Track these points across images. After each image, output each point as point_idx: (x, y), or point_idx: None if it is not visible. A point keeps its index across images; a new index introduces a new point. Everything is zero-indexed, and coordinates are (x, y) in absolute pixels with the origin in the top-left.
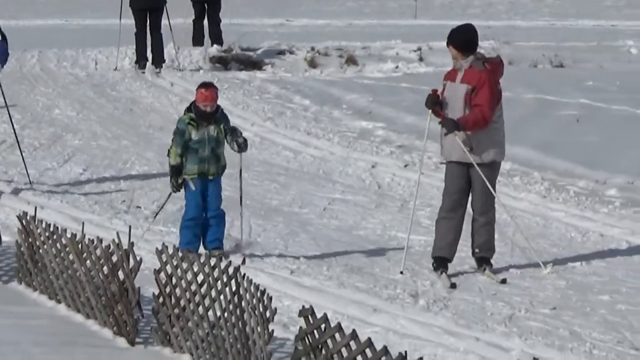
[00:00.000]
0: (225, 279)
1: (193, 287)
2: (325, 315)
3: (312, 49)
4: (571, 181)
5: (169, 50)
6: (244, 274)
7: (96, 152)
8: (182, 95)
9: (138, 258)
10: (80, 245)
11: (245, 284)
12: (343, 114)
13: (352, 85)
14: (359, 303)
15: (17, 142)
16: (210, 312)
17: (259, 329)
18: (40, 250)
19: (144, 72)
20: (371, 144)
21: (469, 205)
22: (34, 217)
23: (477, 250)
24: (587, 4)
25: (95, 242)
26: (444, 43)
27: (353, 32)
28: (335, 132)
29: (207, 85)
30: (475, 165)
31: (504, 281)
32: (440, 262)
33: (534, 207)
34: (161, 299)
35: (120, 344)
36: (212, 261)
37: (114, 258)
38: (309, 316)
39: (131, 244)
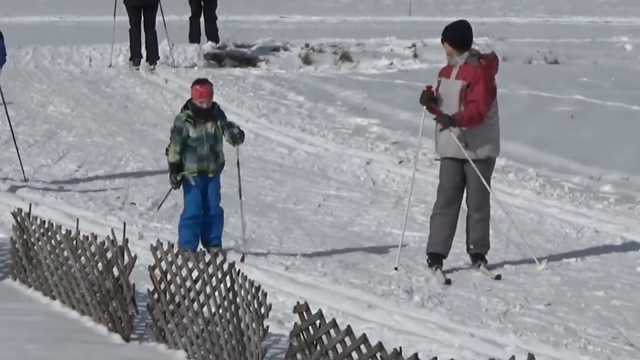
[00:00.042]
0: (220, 276)
1: (188, 284)
2: (320, 311)
3: (307, 45)
4: (566, 177)
5: (163, 47)
6: (239, 270)
7: (91, 149)
8: (176, 91)
9: (133, 254)
10: (75, 242)
11: (239, 280)
12: (337, 111)
13: (346, 82)
14: (353, 299)
15: (14, 138)
16: (205, 309)
17: (253, 325)
18: (35, 247)
19: (138, 69)
20: (366, 141)
21: (463, 201)
22: (28, 214)
23: (471, 246)
24: (582, 1)
25: (90, 239)
26: (439, 39)
27: (347, 29)
28: (330, 129)
29: (201, 82)
30: (471, 161)
31: (498, 277)
32: (435, 258)
33: (528, 204)
34: (156, 296)
35: (115, 340)
36: (207, 257)
37: (109, 254)
38: (304, 312)
39: (126, 241)
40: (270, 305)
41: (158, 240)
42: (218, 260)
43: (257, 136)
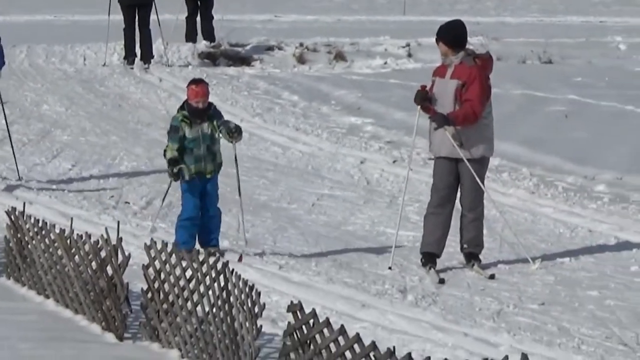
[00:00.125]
0: (213, 274)
1: (181, 283)
2: (313, 310)
3: (301, 44)
4: (560, 177)
5: (157, 46)
6: (233, 270)
7: (85, 148)
8: (170, 91)
9: (126, 253)
10: (68, 241)
11: (233, 280)
12: (332, 110)
13: (340, 81)
14: (347, 298)
15: (10, 137)
16: (198, 308)
17: (247, 324)
18: (29, 246)
19: (132, 68)
20: (360, 140)
21: (457, 201)
22: (22, 213)
23: (465, 245)
24: (576, 1)
25: (83, 238)
26: (433, 39)
27: (342, 28)
28: (324, 128)
29: (197, 82)
30: (465, 161)
31: (492, 277)
32: (429, 258)
33: (522, 203)
34: (150, 294)
35: (108, 339)
36: (201, 257)
37: (103, 253)
38: (298, 311)
39: (120, 240)
40: (264, 304)
41: (152, 239)
42: (211, 259)
43: (251, 135)
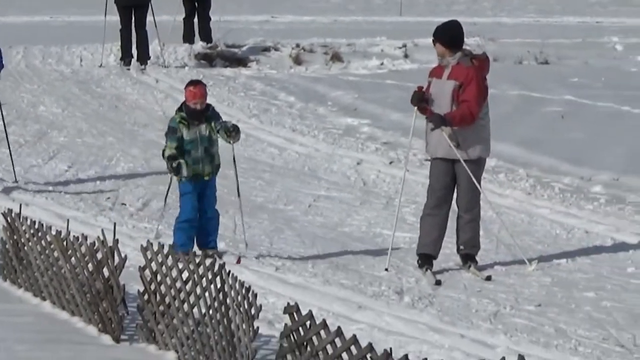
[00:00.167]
0: (210, 276)
1: (178, 284)
2: (310, 312)
3: (297, 45)
4: (556, 178)
5: (154, 47)
6: (229, 271)
7: (81, 149)
8: (167, 92)
9: (123, 255)
10: (65, 243)
11: (230, 281)
12: (328, 111)
13: (337, 82)
14: (344, 300)
15: (7, 139)
16: (195, 309)
17: (244, 326)
18: (25, 248)
19: (129, 69)
20: (356, 141)
21: (453, 202)
22: (19, 215)
23: (462, 247)
24: (572, 1)
25: (80, 239)
26: (429, 40)
27: (338, 29)
28: (321, 129)
29: (195, 83)
30: (462, 161)
31: (489, 278)
32: (425, 259)
33: (519, 204)
34: (146, 296)
35: (105, 341)
36: (197, 258)
37: (99, 255)
38: (294, 313)
39: (116, 241)
40: (261, 306)
41: (148, 240)
42: (208, 261)
43: (248, 136)
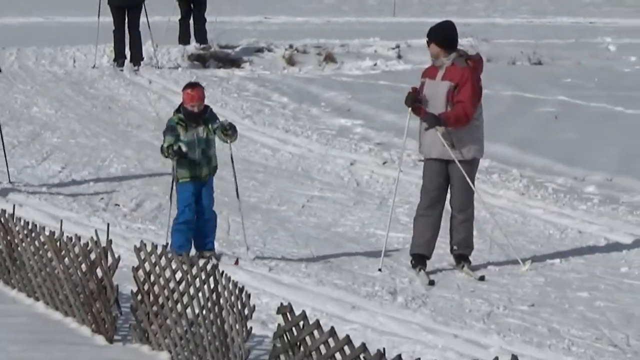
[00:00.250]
0: (203, 277)
1: (171, 285)
2: (303, 312)
3: (291, 46)
4: (550, 178)
5: (147, 47)
6: (222, 272)
7: (75, 150)
8: (160, 92)
9: (116, 255)
10: (58, 243)
11: (223, 282)
12: (321, 112)
13: (330, 83)
14: (337, 300)
15: (2, 140)
16: (188, 310)
17: (237, 326)
18: (19, 248)
19: (122, 70)
20: (350, 142)
21: (447, 202)
22: (12, 215)
23: (455, 247)
24: (566, 1)
25: (73, 240)
26: (423, 40)
27: (331, 30)
28: (314, 130)
29: (193, 86)
30: (457, 162)
31: (482, 278)
32: (419, 260)
33: (512, 204)
34: (139, 297)
35: (98, 341)
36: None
37: (93, 256)
38: (288, 313)
39: (109, 242)
40: (254, 306)
41: (142, 241)
42: (201, 262)
43: (241, 137)
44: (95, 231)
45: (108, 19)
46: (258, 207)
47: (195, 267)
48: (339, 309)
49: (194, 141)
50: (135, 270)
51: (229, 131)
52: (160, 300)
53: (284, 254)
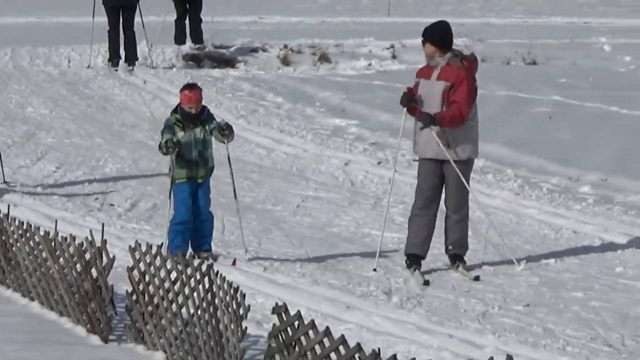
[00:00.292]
0: (198, 277)
1: (166, 285)
2: (298, 312)
3: (285, 46)
4: (544, 178)
5: (142, 47)
6: (217, 272)
7: (69, 150)
8: (155, 92)
9: (111, 255)
10: (53, 243)
11: (218, 282)
12: (316, 112)
13: (325, 83)
14: (332, 300)
15: None
16: (183, 310)
17: (232, 326)
18: (14, 248)
19: (117, 70)
20: (344, 142)
21: (442, 202)
22: (7, 215)
23: (450, 247)
24: (560, 1)
25: (68, 240)
26: (417, 40)
27: (326, 30)
28: (309, 130)
29: (190, 87)
30: (452, 162)
31: (477, 278)
32: (414, 260)
33: (507, 204)
34: (134, 297)
35: (93, 341)
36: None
37: (87, 256)
38: (283, 313)
39: (104, 242)
40: (249, 306)
41: (136, 241)
42: (196, 262)
43: (236, 137)
44: (90, 231)
45: (103, 19)
46: (253, 207)
47: (190, 267)
48: (334, 308)
49: (191, 142)
50: (130, 270)
51: (226, 131)
52: (155, 300)
53: (279, 254)
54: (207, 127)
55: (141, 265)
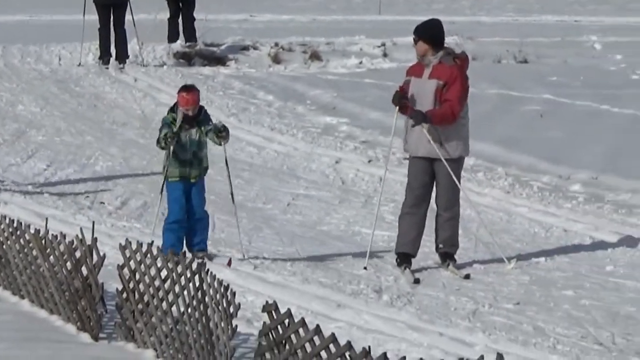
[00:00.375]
0: (188, 275)
1: (156, 283)
2: (289, 310)
3: (276, 44)
4: (535, 176)
5: (132, 45)
6: (208, 270)
7: (60, 148)
8: (145, 90)
9: (101, 253)
10: (43, 241)
11: (208, 280)
12: (307, 110)
13: (316, 81)
14: (322, 298)
15: None
16: (174, 308)
17: (222, 324)
18: (4, 246)
19: (107, 68)
20: (335, 140)
21: (432, 200)
22: None
23: (440, 245)
24: (551, 0)
25: (58, 238)
26: (408, 39)
27: (317, 28)
28: (299, 128)
29: (188, 89)
30: (443, 160)
31: (467, 276)
32: (404, 258)
33: (497, 203)
34: (125, 295)
35: (83, 339)
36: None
37: (78, 254)
38: (273, 312)
39: (94, 240)
40: (239, 304)
41: (127, 239)
42: (187, 260)
43: None
44: (81, 229)
45: (93, 16)
46: (243, 206)
47: (180, 265)
48: (324, 307)
49: (187, 143)
50: (120, 268)
51: (223, 133)
52: (146, 298)
53: (269, 252)
54: (202, 129)
55: (131, 263)
